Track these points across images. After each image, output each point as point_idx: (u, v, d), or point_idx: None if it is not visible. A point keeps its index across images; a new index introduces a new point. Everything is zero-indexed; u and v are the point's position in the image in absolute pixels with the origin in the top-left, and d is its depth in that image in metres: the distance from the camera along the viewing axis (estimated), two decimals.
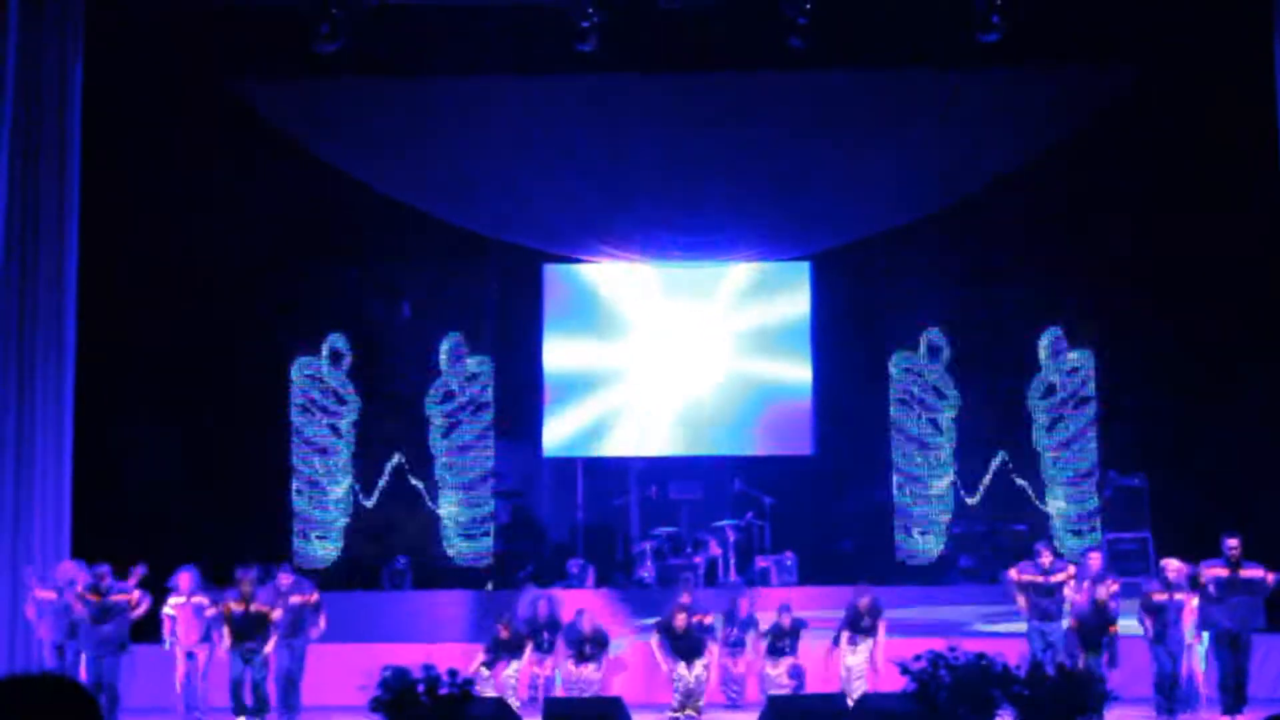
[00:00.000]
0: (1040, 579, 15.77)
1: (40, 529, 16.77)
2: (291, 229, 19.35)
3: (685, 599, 16.22)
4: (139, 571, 15.69)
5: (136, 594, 15.57)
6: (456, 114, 19.00)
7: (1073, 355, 19.90)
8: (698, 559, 18.56)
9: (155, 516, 18.21)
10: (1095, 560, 15.90)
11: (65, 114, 17.12)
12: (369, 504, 19.88)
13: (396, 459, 20.02)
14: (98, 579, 15.37)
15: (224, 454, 18.97)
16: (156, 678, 16.07)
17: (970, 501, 19.77)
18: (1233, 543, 15.14)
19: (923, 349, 20.10)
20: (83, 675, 15.00)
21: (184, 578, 15.95)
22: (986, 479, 19.82)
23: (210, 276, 19.09)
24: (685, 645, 15.98)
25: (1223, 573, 15.14)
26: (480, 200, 19.36)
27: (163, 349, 18.94)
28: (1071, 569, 15.98)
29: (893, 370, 20.11)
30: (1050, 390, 19.96)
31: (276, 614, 15.55)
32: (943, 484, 19.89)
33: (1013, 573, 16.01)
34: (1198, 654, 15.69)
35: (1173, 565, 15.66)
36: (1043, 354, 19.97)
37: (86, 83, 17.29)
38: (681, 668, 15.92)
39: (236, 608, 15.46)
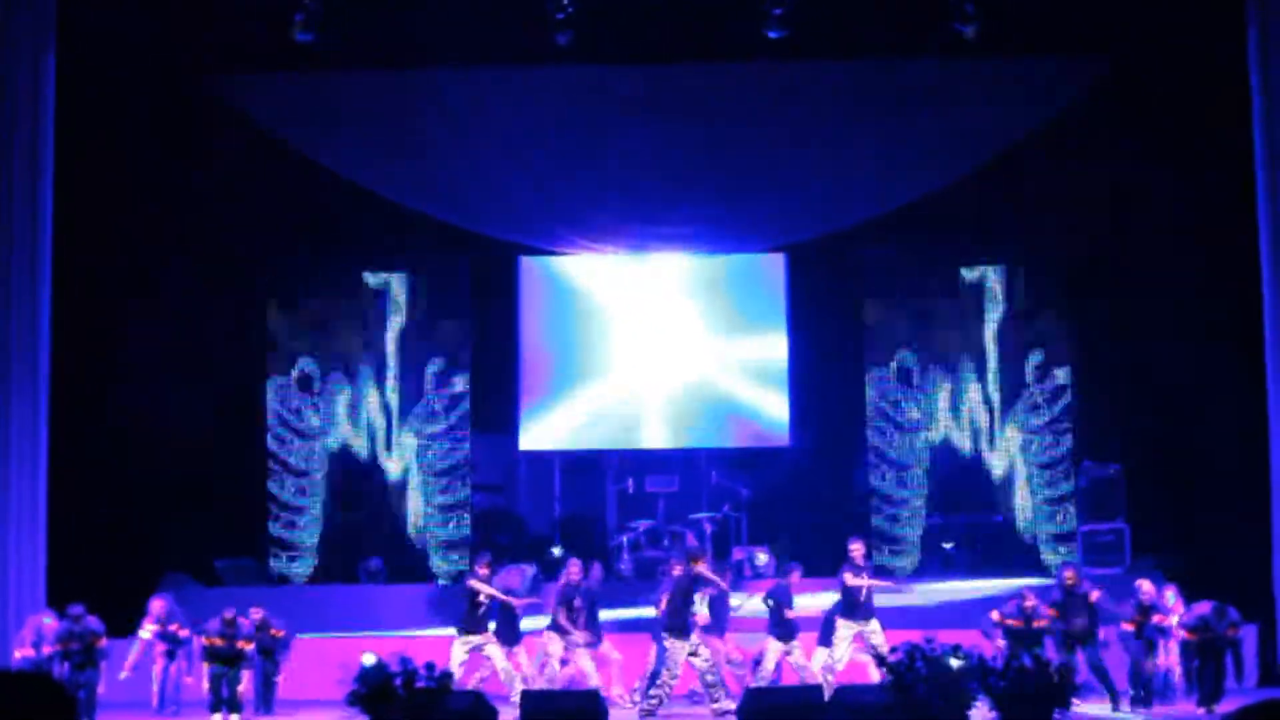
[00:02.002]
0: (1021, 624, 15.52)
1: (16, 536, 16.63)
2: (267, 221, 19.30)
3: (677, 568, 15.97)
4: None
5: (103, 642, 15.49)
6: (431, 106, 18.94)
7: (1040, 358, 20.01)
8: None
9: (134, 505, 18.19)
10: (1070, 576, 15.75)
11: (38, 108, 16.94)
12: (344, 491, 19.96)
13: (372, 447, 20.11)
14: (74, 621, 15.24)
15: (201, 448, 18.88)
16: (133, 674, 16.01)
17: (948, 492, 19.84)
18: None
19: (899, 338, 20.13)
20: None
21: (157, 604, 16.08)
22: (964, 467, 19.92)
23: (185, 266, 19.05)
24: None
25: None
26: (456, 193, 19.30)
27: (138, 336, 18.86)
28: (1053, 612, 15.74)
29: (871, 360, 20.11)
30: (1026, 379, 20.02)
31: (249, 645, 15.65)
32: (921, 473, 19.95)
33: (995, 614, 15.64)
34: (1174, 645, 15.72)
35: (1145, 587, 15.66)
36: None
37: (59, 76, 17.16)
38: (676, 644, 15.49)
39: (219, 643, 15.49)
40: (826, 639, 15.96)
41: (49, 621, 15.46)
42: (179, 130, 18.57)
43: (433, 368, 20.17)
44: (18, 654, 15.47)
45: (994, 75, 18.70)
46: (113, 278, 18.72)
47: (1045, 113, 18.71)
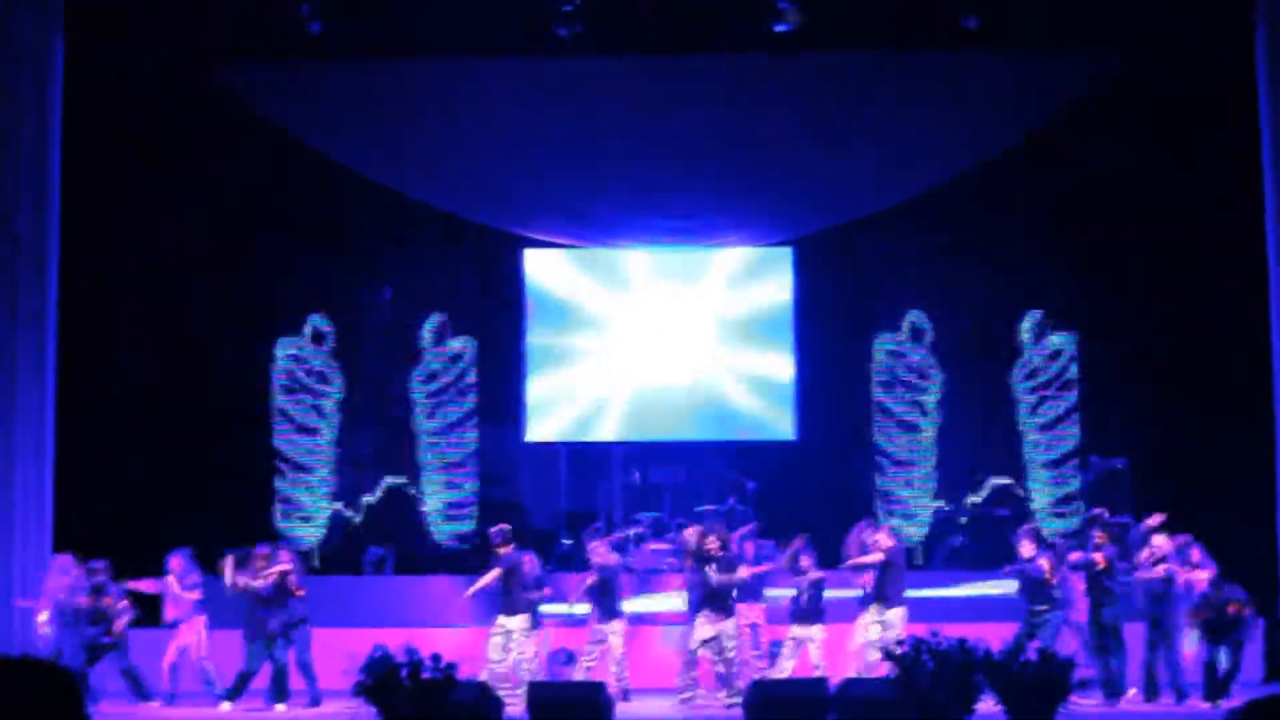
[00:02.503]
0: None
1: (22, 517, 16.66)
2: (271, 212, 19.31)
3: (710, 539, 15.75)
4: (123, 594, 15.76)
5: (124, 603, 15.59)
6: (435, 97, 18.94)
7: (1055, 339, 19.92)
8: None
9: (138, 502, 18.19)
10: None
11: (44, 105, 16.95)
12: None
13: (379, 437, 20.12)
14: (92, 574, 15.35)
15: (208, 437, 18.89)
16: (143, 662, 16.02)
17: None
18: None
19: (905, 332, 20.10)
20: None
21: (176, 561, 16.15)
22: (969, 462, 19.89)
23: (191, 260, 19.06)
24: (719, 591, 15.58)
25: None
26: (460, 184, 19.31)
27: (144, 332, 18.88)
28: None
29: (877, 353, 20.09)
30: (1033, 374, 19.99)
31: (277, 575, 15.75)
32: (926, 467, 19.93)
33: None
34: (1185, 639, 15.67)
35: (1158, 541, 15.65)
36: (1025, 337, 19.99)
37: (66, 66, 17.17)
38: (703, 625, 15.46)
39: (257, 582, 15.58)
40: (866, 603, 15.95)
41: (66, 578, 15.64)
42: (184, 127, 18.56)
43: (438, 362, 20.14)
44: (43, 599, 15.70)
45: (1001, 70, 18.67)
46: (116, 275, 18.73)
47: (1057, 106, 18.68)
